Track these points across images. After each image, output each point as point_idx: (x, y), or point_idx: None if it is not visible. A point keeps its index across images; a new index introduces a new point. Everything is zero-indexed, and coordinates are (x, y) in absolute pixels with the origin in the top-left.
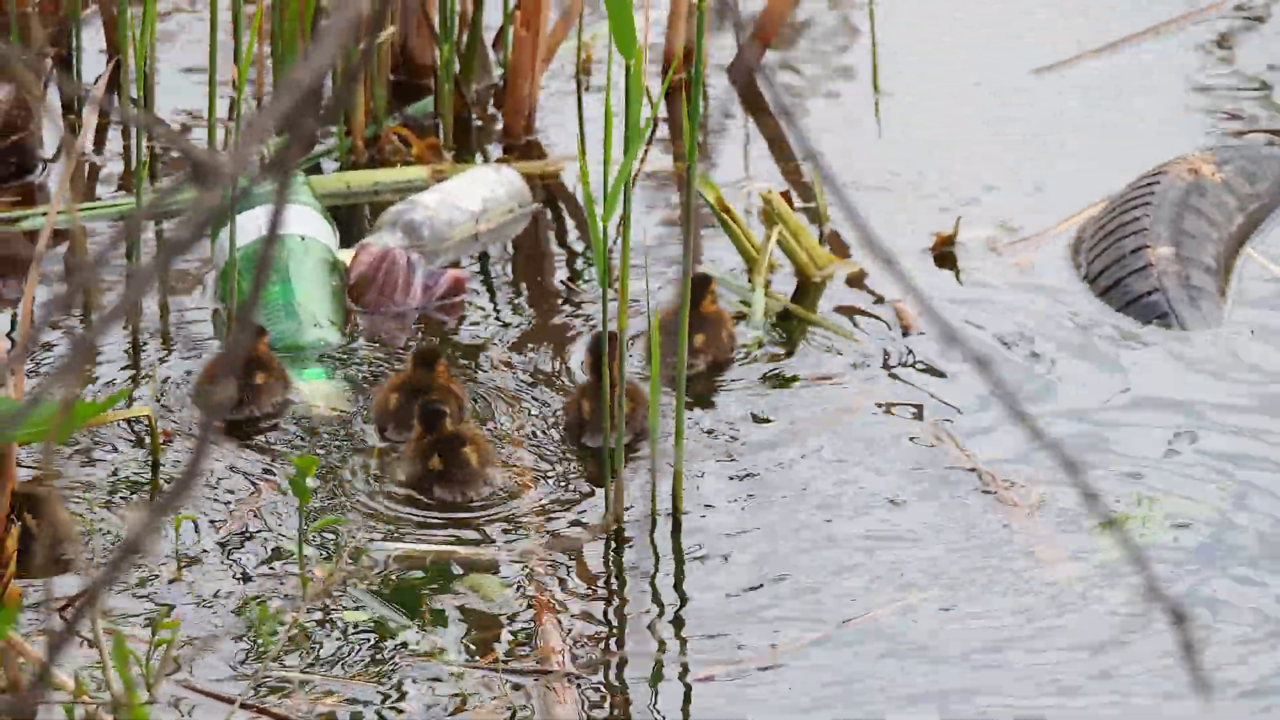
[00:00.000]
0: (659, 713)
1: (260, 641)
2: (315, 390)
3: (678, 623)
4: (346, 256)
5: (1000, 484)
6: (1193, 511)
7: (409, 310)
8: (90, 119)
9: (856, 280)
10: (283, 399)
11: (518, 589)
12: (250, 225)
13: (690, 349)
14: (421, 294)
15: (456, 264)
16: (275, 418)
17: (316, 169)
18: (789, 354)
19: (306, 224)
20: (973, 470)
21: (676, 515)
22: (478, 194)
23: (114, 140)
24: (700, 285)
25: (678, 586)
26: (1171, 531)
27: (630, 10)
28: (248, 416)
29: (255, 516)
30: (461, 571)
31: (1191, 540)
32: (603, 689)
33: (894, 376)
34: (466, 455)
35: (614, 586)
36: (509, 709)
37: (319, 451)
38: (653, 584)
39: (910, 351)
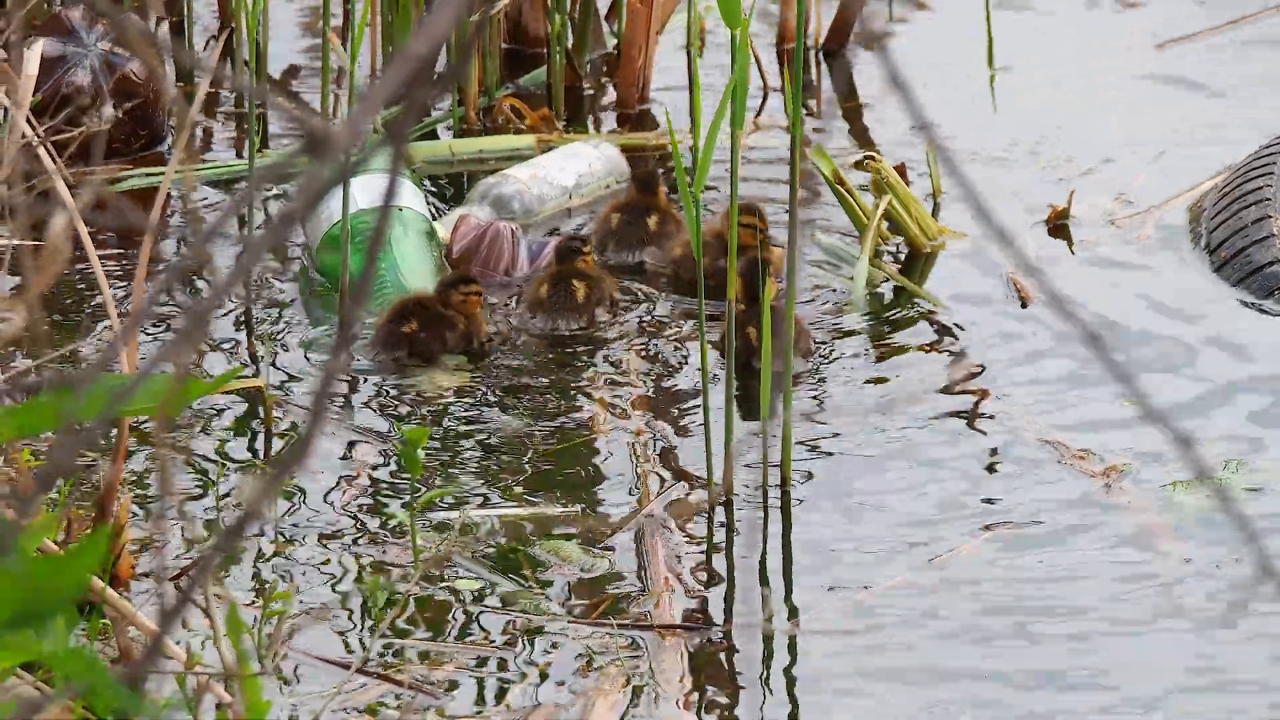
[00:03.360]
0: (763, 666)
1: (372, 611)
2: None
3: (782, 582)
4: (439, 226)
5: (1076, 455)
6: (1272, 475)
7: (513, 282)
8: (203, 88)
9: (970, 252)
10: (464, 344)
11: (605, 550)
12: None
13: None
14: (527, 266)
15: (555, 232)
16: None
17: (432, 136)
18: (892, 324)
19: (402, 195)
20: (1048, 442)
21: (785, 483)
22: (572, 169)
23: (228, 108)
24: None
25: (783, 550)
26: (1245, 494)
27: None
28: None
29: (369, 485)
30: (541, 536)
31: (1266, 503)
32: (711, 644)
33: (984, 348)
34: (574, 288)
35: (721, 547)
36: (627, 675)
37: (432, 420)
38: (761, 548)
39: (1009, 323)
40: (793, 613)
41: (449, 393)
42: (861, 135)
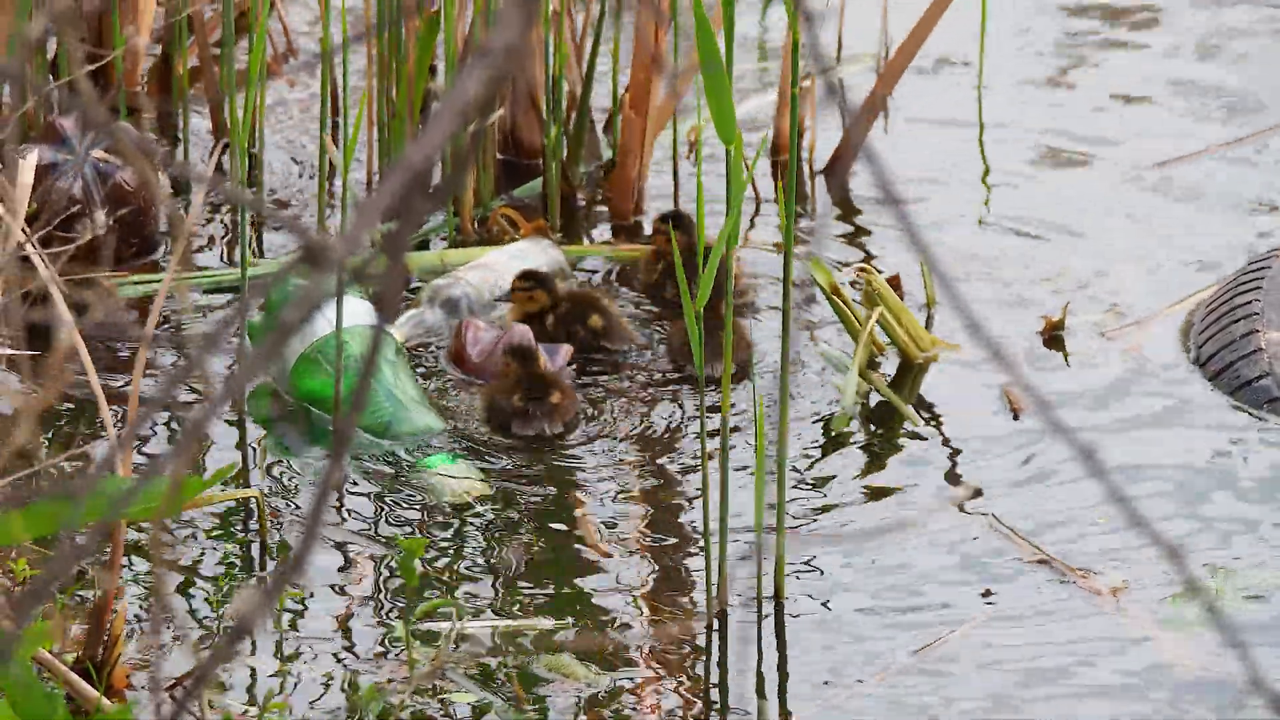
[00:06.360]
0: None
1: None
2: (448, 478)
3: (779, 701)
4: (396, 331)
5: (1077, 573)
6: (1269, 583)
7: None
8: (199, 200)
9: (964, 363)
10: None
11: (604, 666)
12: (319, 319)
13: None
14: (551, 369)
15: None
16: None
17: (424, 246)
18: (885, 436)
19: (366, 315)
20: (1043, 562)
21: (779, 600)
22: (518, 268)
23: (224, 220)
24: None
25: (779, 668)
26: (1246, 604)
27: (730, 95)
28: (538, 434)
29: (366, 595)
30: (541, 653)
31: (1266, 613)
32: None
33: (977, 461)
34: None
35: (715, 666)
36: None
37: (433, 531)
38: (756, 662)
39: (1002, 436)
40: None
41: (472, 500)
42: (856, 246)
